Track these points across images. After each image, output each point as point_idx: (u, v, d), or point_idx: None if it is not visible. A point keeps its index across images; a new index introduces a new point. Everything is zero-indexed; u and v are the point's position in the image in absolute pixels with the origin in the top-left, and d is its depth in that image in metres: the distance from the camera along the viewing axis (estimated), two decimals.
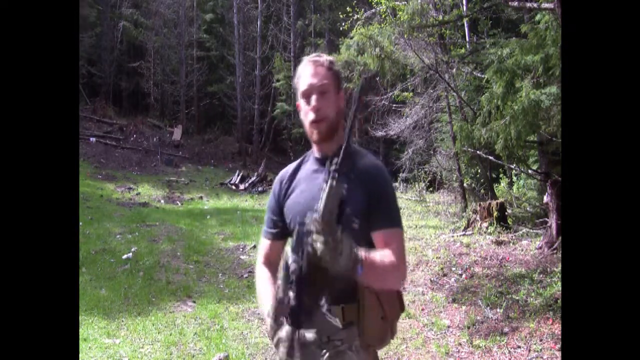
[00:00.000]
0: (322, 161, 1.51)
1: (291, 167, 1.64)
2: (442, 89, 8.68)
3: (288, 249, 1.38)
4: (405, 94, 10.09)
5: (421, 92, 9.64)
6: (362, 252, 1.28)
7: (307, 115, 1.50)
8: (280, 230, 1.61)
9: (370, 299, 1.42)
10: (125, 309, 4.67)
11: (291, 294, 1.33)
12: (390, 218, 1.44)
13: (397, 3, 7.67)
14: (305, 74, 1.51)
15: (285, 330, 1.44)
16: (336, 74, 1.53)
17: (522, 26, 6.48)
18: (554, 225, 5.64)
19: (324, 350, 1.46)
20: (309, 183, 1.53)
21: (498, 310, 4.27)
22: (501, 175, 10.05)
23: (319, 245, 1.20)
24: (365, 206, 1.42)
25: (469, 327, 4.08)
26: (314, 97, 1.48)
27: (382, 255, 1.37)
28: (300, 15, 21.74)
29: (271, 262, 1.64)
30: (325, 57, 1.54)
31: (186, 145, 19.63)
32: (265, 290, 1.58)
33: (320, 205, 1.21)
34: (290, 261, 1.33)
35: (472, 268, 5.43)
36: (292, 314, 1.36)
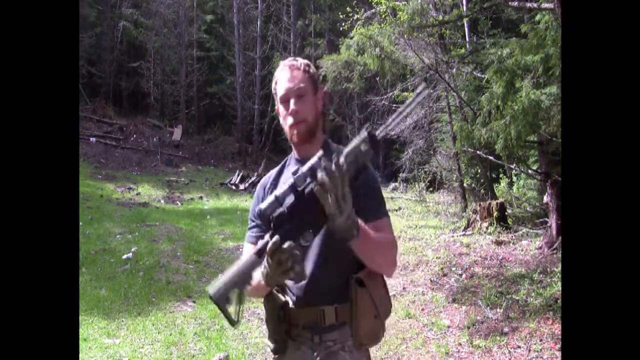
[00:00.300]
0: (302, 162, 1.49)
1: (273, 172, 1.66)
2: (442, 89, 8.68)
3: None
4: (405, 94, 10.09)
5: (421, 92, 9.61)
6: (358, 219, 1.28)
7: (285, 119, 1.53)
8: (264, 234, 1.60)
9: (363, 297, 1.43)
10: (125, 309, 4.67)
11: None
12: (377, 210, 1.46)
13: (397, 3, 7.67)
14: (283, 79, 1.54)
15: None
16: (313, 76, 1.56)
17: (522, 26, 6.48)
18: (554, 225, 5.64)
19: (315, 353, 1.46)
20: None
21: (498, 310, 4.27)
22: (501, 175, 10.05)
23: (324, 193, 1.18)
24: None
25: (469, 327, 4.08)
26: (292, 101, 1.50)
27: (376, 232, 1.38)
28: (300, 15, 21.74)
29: None
30: (301, 61, 1.57)
31: (186, 145, 19.62)
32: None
33: (346, 150, 1.22)
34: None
35: (472, 268, 5.43)
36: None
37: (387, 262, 1.44)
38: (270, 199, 1.27)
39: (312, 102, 1.53)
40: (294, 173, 1.29)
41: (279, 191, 1.27)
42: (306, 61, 1.59)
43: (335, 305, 1.44)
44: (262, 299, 1.56)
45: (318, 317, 1.46)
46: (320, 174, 1.19)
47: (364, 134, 1.25)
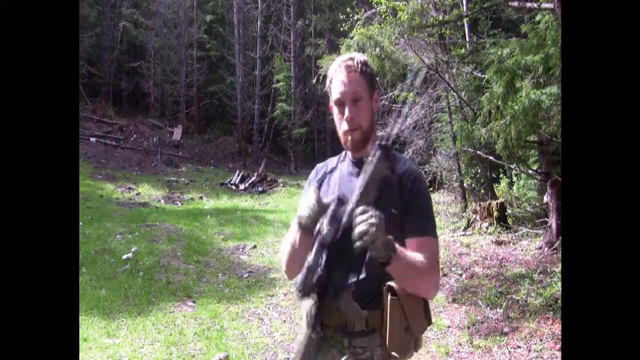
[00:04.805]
0: (358, 164, 1.50)
1: (330, 163, 1.63)
2: (442, 89, 8.68)
3: (324, 220, 1.33)
4: (405, 94, 10.08)
5: (421, 92, 9.63)
6: (396, 244, 1.27)
7: (340, 123, 1.48)
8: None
9: (394, 307, 1.39)
10: (125, 309, 4.67)
11: (322, 262, 1.29)
12: (424, 226, 1.41)
13: (397, 3, 7.67)
14: (338, 80, 1.47)
15: (309, 303, 1.35)
16: (369, 76, 1.49)
17: (522, 26, 6.48)
18: (554, 225, 5.64)
19: (344, 358, 1.43)
20: (345, 185, 1.50)
21: (498, 310, 4.27)
22: (501, 175, 10.04)
23: (358, 221, 1.20)
24: (398, 212, 1.40)
25: (469, 327, 4.08)
26: (347, 106, 1.45)
27: (415, 255, 1.35)
28: (300, 15, 21.75)
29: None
30: (358, 59, 1.48)
31: (186, 145, 19.63)
32: (287, 243, 1.51)
33: (367, 178, 1.25)
34: (324, 227, 1.30)
35: (472, 268, 5.43)
36: (319, 284, 1.30)
37: (425, 286, 1.40)
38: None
39: (367, 107, 1.47)
40: (318, 232, 1.30)
41: (310, 255, 1.29)
42: (363, 58, 1.50)
43: (366, 311, 1.41)
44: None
45: (347, 320, 1.42)
46: (357, 234, 1.19)
47: (378, 152, 1.28)
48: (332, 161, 1.64)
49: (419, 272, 1.34)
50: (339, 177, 1.54)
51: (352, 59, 1.48)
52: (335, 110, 1.50)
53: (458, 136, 6.61)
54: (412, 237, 1.39)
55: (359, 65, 1.47)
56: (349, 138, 1.48)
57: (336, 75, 1.48)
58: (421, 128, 9.79)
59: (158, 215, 9.26)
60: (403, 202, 1.41)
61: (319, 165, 1.66)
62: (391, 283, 1.39)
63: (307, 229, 1.38)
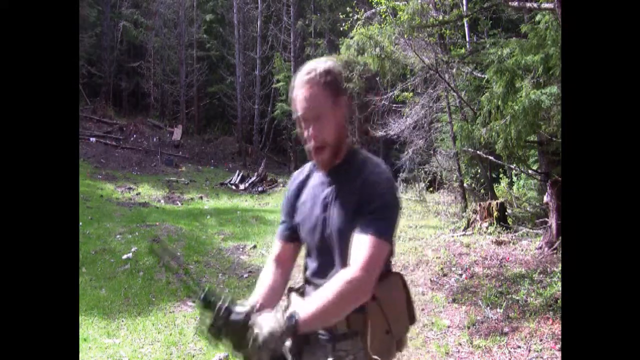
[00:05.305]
0: (330, 172, 1.51)
1: (305, 170, 1.63)
2: (442, 89, 8.68)
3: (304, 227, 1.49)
4: (405, 94, 10.08)
5: (421, 92, 9.63)
6: (296, 316, 1.27)
7: (305, 138, 1.46)
8: (290, 234, 1.61)
9: (374, 311, 1.40)
10: (125, 309, 4.67)
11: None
12: (370, 225, 1.35)
13: (397, 3, 7.67)
14: (299, 97, 1.42)
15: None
16: (333, 85, 1.43)
17: (522, 26, 6.48)
18: (554, 225, 5.64)
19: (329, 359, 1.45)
20: (315, 197, 1.52)
21: (498, 310, 4.27)
22: (501, 175, 10.04)
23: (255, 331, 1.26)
24: (352, 212, 1.40)
25: (469, 327, 4.08)
26: (310, 124, 1.43)
27: (327, 289, 1.31)
28: (300, 15, 21.73)
29: (280, 262, 1.62)
30: (319, 70, 1.42)
31: (186, 145, 19.63)
32: (261, 283, 1.58)
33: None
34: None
35: (472, 268, 5.43)
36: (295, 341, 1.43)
37: (353, 303, 1.34)
38: None
39: (332, 121, 1.43)
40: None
41: None
42: (325, 67, 1.43)
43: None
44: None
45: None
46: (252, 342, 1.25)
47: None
48: (306, 168, 1.63)
49: (335, 304, 1.30)
50: (312, 187, 1.54)
51: (313, 70, 1.42)
52: (300, 124, 1.47)
53: (458, 136, 6.61)
54: (357, 232, 1.36)
55: (320, 78, 1.41)
56: (318, 158, 1.47)
57: (297, 91, 1.43)
58: (421, 128, 9.79)
59: (158, 215, 9.26)
60: (361, 202, 1.39)
61: (295, 174, 1.66)
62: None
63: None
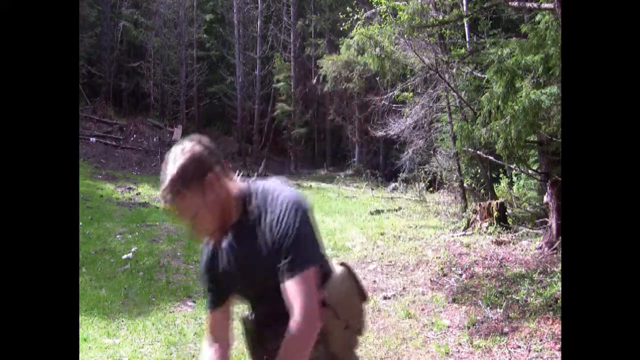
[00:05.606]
0: (233, 233, 1.46)
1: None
2: (442, 89, 8.68)
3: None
4: (405, 94, 10.09)
5: (421, 92, 9.64)
6: None
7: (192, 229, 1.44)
8: (218, 299, 1.57)
9: (328, 318, 1.42)
10: (125, 309, 4.67)
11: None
12: (294, 266, 1.32)
13: (397, 3, 7.67)
14: (168, 199, 1.35)
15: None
16: (195, 179, 1.34)
17: (522, 26, 6.48)
18: (554, 225, 5.64)
19: None
20: (232, 254, 1.48)
21: (498, 310, 4.27)
22: (501, 175, 10.04)
23: None
24: (272, 253, 1.36)
25: (469, 327, 4.08)
26: (189, 221, 1.39)
27: (283, 354, 1.31)
28: (300, 15, 21.75)
29: (216, 334, 1.58)
30: (176, 173, 1.33)
31: None
32: None
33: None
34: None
35: (472, 268, 5.43)
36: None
37: (309, 345, 1.33)
38: None
39: (209, 208, 1.37)
40: None
41: None
42: (180, 164, 1.33)
43: None
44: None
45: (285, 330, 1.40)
46: None
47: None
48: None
49: (296, 352, 1.31)
50: (226, 248, 1.49)
51: (172, 179, 1.33)
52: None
53: (458, 136, 6.61)
54: (284, 280, 1.33)
55: (181, 182, 1.33)
56: (216, 237, 1.46)
57: (165, 193, 1.36)
58: (421, 128, 9.79)
59: (158, 215, 9.25)
60: (272, 242, 1.36)
61: (202, 244, 1.59)
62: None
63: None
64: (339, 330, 1.46)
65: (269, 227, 1.37)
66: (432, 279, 5.29)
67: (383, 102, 10.53)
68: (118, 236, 7.31)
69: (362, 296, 1.57)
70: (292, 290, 1.31)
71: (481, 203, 7.39)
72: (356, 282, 1.56)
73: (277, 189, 1.41)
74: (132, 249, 6.54)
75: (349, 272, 1.56)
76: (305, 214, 1.37)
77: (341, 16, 9.84)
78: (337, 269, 1.54)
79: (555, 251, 5.48)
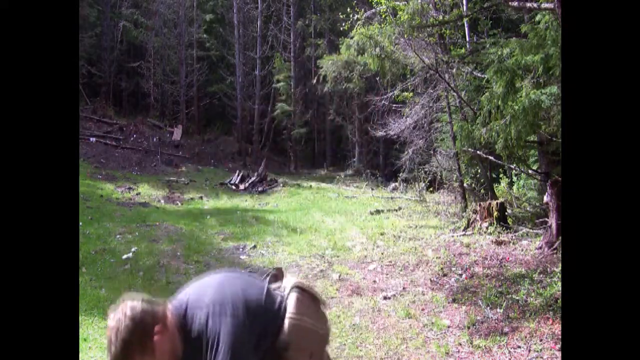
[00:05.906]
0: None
1: None
2: (442, 89, 8.68)
3: None
4: (405, 94, 10.09)
5: (421, 92, 9.64)
6: None
7: None
8: None
9: (293, 354, 1.49)
10: None
11: None
12: None
13: (397, 3, 7.67)
14: None
15: None
16: (138, 349, 1.35)
17: (522, 26, 6.48)
18: (554, 225, 5.64)
19: None
20: None
21: (498, 310, 4.27)
22: (501, 175, 10.04)
23: None
24: None
25: (469, 327, 4.08)
26: None
27: None
28: (300, 15, 21.74)
29: None
30: (118, 348, 1.33)
31: (186, 145, 19.62)
32: None
33: None
34: None
35: (472, 268, 5.43)
36: None
37: None
38: None
39: None
40: None
41: None
42: (122, 339, 1.32)
43: None
44: None
45: None
46: None
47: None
48: None
49: None
50: None
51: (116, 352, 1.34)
52: None
53: (458, 136, 6.62)
54: None
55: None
56: None
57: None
58: (421, 128, 9.80)
59: (158, 215, 9.26)
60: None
61: None
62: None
63: None
64: (304, 358, 1.52)
65: (210, 341, 1.41)
66: (432, 279, 5.29)
67: (383, 102, 10.53)
68: (118, 236, 7.31)
69: (322, 304, 1.62)
70: None
71: (481, 203, 7.39)
72: (315, 304, 1.59)
73: (208, 303, 1.46)
74: (132, 249, 6.54)
75: (308, 295, 1.59)
76: (241, 321, 1.43)
77: (341, 16, 9.84)
78: (290, 302, 1.54)
79: (555, 251, 5.48)
